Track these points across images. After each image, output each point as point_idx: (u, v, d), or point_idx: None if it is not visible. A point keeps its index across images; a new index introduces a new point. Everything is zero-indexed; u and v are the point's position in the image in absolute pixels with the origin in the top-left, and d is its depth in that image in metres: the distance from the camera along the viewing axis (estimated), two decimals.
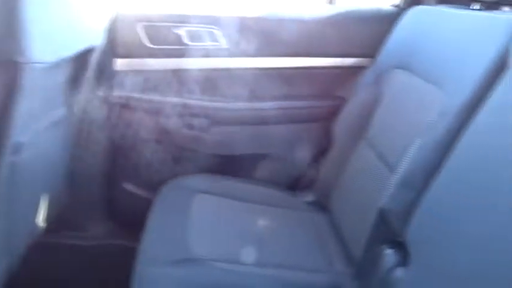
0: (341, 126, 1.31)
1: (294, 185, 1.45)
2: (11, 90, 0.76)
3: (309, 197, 1.38)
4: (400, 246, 0.79)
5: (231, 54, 1.35)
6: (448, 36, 1.00)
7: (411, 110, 1.01)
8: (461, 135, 0.73)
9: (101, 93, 1.30)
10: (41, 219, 1.10)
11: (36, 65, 0.75)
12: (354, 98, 1.27)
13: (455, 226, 0.66)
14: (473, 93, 0.81)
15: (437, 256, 0.67)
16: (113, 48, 1.28)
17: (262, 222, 1.16)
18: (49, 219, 1.15)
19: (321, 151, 1.39)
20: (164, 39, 1.33)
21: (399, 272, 0.76)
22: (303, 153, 1.43)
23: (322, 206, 1.31)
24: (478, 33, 0.91)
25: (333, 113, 1.35)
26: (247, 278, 0.94)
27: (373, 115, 1.17)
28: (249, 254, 0.99)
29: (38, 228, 1.10)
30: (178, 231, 1.06)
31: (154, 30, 1.32)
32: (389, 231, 0.83)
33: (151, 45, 1.33)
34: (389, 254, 0.81)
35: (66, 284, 1.31)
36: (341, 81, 1.42)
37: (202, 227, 1.10)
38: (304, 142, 1.42)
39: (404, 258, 0.77)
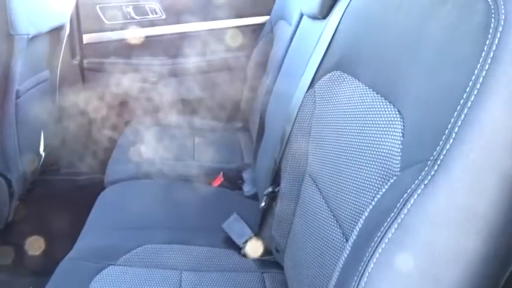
0: (251, 68, 1.78)
1: (228, 117, 1.93)
2: (10, 54, 1.22)
3: (237, 124, 1.86)
4: None
5: (167, 23, 1.82)
6: None
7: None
8: None
9: (74, 61, 1.77)
10: (41, 149, 1.57)
11: (22, 36, 1.21)
12: (257, 46, 1.75)
13: None
14: None
15: None
16: (78, 25, 1.74)
17: (197, 140, 1.65)
18: (47, 154, 1.62)
19: (242, 90, 1.87)
20: (117, 16, 1.79)
21: None
22: (231, 94, 1.91)
23: (245, 129, 1.79)
24: None
25: (245, 61, 1.83)
26: (178, 168, 1.42)
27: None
28: (180, 155, 1.48)
29: (40, 156, 1.57)
30: (134, 150, 1.52)
31: (108, 10, 1.78)
32: None
33: (108, 22, 1.79)
34: None
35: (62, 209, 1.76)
36: (246, 36, 1.89)
37: (151, 145, 1.57)
38: (229, 85, 1.90)
39: None
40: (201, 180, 1.39)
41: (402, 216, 0.47)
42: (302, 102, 0.90)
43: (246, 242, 1.02)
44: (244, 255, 1.02)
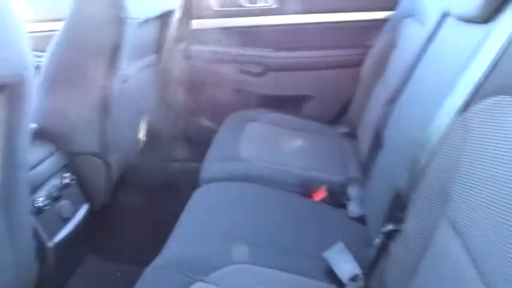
0: (366, 69, 1.59)
1: (332, 120, 1.77)
2: (120, 37, 1.17)
3: (343, 129, 1.69)
4: None
5: (279, 13, 1.69)
6: None
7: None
8: None
9: (180, 46, 1.72)
10: (141, 134, 1.55)
11: (132, 20, 1.16)
12: (375, 45, 1.55)
13: None
14: None
15: None
16: (188, 11, 1.68)
17: (297, 141, 1.51)
18: (145, 140, 1.60)
19: (353, 92, 1.68)
20: (227, 3, 1.70)
21: None
22: (340, 95, 1.74)
23: (351, 135, 1.62)
24: None
25: (359, 60, 1.64)
26: (277, 173, 1.30)
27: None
28: (279, 157, 1.36)
29: (140, 141, 1.55)
30: (232, 147, 1.44)
31: None
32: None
33: (219, 8, 1.71)
34: None
35: (156, 196, 1.73)
36: (363, 32, 1.69)
37: (250, 143, 1.47)
38: (339, 85, 1.73)
39: None
40: (300, 190, 1.26)
41: None
42: (448, 128, 0.72)
43: (352, 279, 0.87)
44: None
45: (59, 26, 1.12)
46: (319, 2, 1.69)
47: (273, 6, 1.70)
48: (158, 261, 0.93)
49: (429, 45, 1.05)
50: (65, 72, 1.15)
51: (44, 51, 1.16)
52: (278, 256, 0.96)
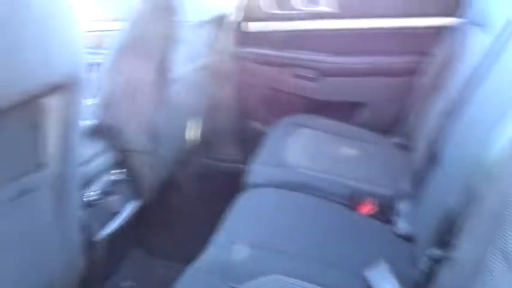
0: (425, 78, 1.51)
1: (385, 129, 1.70)
2: (172, 40, 1.19)
3: (396, 140, 1.62)
4: None
5: (337, 17, 1.65)
6: None
7: None
8: None
9: (234, 49, 1.72)
10: (191, 133, 1.57)
11: (186, 22, 1.17)
12: (433, 53, 1.47)
13: None
14: None
15: None
16: (243, 14, 1.68)
17: (347, 150, 1.47)
18: (194, 140, 1.62)
19: (409, 101, 1.61)
20: (285, 6, 1.68)
21: None
22: (394, 103, 1.67)
23: (405, 147, 1.54)
24: None
25: (419, 68, 1.56)
26: (323, 182, 1.27)
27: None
28: (327, 166, 1.33)
29: (189, 139, 1.57)
30: (280, 152, 1.42)
31: None
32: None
33: (275, 12, 1.70)
34: None
35: (202, 194, 1.75)
36: (421, 39, 1.61)
37: (299, 149, 1.45)
38: (394, 93, 1.66)
39: None
40: (347, 202, 1.22)
41: None
42: (511, 151, 0.66)
43: None
44: None
45: (117, 25, 1.16)
46: (378, 7, 1.63)
47: (332, 11, 1.66)
48: (197, 263, 0.94)
49: (495, 57, 0.97)
50: (120, 71, 1.18)
51: (101, 49, 1.20)
52: (317, 270, 0.93)
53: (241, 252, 0.97)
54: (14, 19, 0.60)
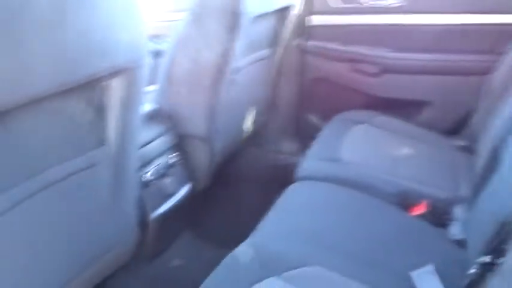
0: (496, 78, 1.42)
1: (449, 130, 1.63)
2: (234, 31, 1.22)
3: (460, 142, 1.54)
4: None
5: (404, 11, 1.59)
6: None
7: None
8: None
9: (295, 42, 1.72)
10: (249, 124, 1.60)
11: (248, 15, 1.19)
12: (508, 53, 1.37)
13: None
14: None
15: None
16: (307, 6, 1.67)
17: (404, 149, 1.42)
18: (253, 129, 1.64)
19: (477, 102, 1.52)
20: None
21: None
22: (461, 104, 1.59)
23: (469, 150, 1.47)
24: None
25: (488, 68, 1.47)
26: (376, 180, 1.24)
27: None
28: (382, 164, 1.29)
29: (246, 129, 1.60)
30: (334, 147, 1.40)
31: None
32: None
33: (340, 5, 1.68)
34: None
35: (253, 185, 1.76)
36: (499, 37, 1.51)
37: (354, 146, 1.42)
38: (461, 93, 1.58)
39: None
40: (399, 202, 1.19)
41: None
42: None
43: None
44: None
45: (181, 15, 1.20)
46: (447, 3, 1.55)
47: (400, 5, 1.60)
48: (240, 249, 0.96)
49: None
50: (182, 59, 1.23)
51: (164, 38, 1.25)
52: (361, 267, 0.92)
53: (284, 242, 0.98)
54: (86, 3, 0.65)
